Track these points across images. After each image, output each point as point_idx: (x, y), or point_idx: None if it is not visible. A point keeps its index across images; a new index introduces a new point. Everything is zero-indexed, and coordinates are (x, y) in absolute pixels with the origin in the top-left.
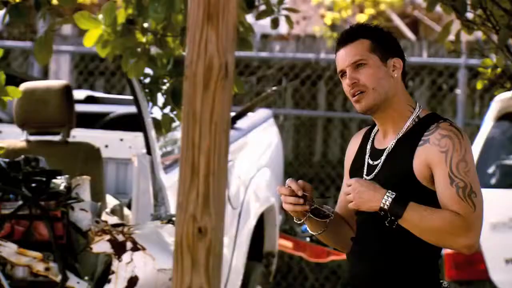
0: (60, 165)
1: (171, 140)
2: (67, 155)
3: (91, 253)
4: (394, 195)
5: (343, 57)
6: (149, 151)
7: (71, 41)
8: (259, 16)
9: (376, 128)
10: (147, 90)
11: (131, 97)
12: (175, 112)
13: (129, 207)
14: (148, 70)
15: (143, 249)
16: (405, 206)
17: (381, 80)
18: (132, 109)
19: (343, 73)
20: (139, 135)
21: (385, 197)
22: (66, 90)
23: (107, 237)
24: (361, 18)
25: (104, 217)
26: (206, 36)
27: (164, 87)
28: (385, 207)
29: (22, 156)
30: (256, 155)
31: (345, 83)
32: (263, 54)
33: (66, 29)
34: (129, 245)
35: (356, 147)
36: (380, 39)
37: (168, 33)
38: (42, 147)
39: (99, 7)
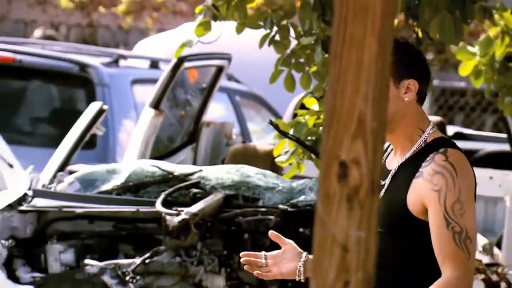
0: None
1: None
2: None
3: None
4: None
5: None
6: None
7: (434, 75)
8: None
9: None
10: None
11: (502, 135)
12: None
13: (497, 246)
14: None
15: None
16: None
17: (388, 102)
18: (504, 147)
19: None
20: (510, 174)
21: None
22: (440, 127)
23: (481, 276)
24: None
25: (477, 255)
26: None
27: None
28: None
29: None
30: None
31: None
32: None
33: None
34: (503, 285)
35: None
36: (401, 57)
37: None
38: None
39: (475, 38)
